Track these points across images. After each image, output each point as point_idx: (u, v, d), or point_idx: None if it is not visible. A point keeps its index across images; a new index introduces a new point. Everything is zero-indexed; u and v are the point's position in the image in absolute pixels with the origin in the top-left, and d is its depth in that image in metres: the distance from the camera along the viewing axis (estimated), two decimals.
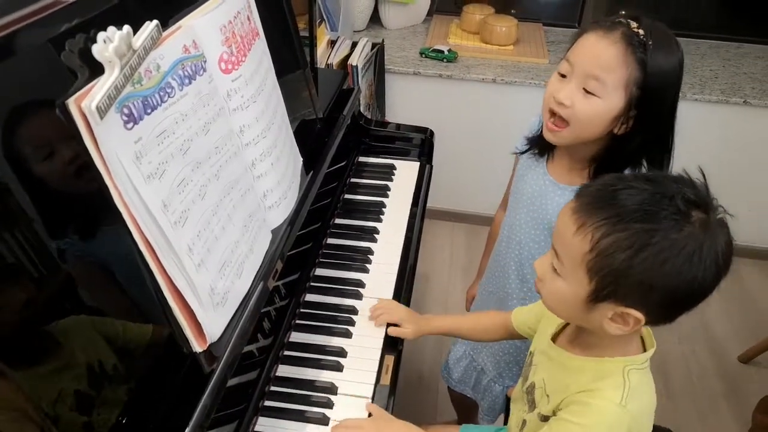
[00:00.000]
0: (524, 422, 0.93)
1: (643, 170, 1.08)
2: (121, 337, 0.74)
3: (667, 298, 0.70)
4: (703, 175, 0.72)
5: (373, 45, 2.30)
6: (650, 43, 0.94)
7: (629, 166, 1.07)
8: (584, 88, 0.98)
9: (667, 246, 0.67)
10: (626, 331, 0.74)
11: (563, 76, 1.02)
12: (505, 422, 1.53)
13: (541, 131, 1.10)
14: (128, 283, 0.75)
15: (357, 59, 2.11)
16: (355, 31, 2.51)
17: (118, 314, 0.75)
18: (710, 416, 1.97)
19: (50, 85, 0.65)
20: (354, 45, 2.23)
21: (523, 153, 1.19)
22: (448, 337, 1.36)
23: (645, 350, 0.83)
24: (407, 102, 2.46)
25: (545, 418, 0.86)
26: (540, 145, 1.15)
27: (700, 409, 1.99)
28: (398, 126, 1.69)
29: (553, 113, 1.03)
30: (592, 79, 0.97)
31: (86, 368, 0.69)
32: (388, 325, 1.15)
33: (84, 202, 0.71)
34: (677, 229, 0.68)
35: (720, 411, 1.99)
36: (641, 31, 0.95)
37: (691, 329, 2.24)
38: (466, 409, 1.71)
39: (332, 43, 2.17)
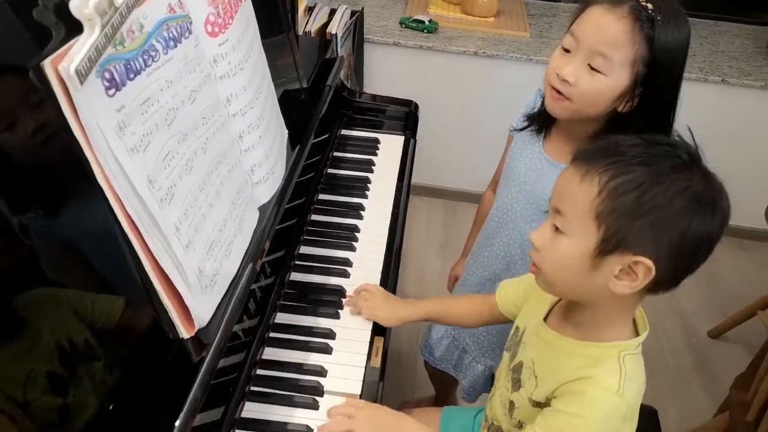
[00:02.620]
0: (512, 403, 0.90)
1: None
2: (91, 312, 0.68)
3: (677, 243, 0.69)
4: (692, 136, 0.73)
5: (352, 13, 2.21)
6: (658, 18, 0.90)
7: None
8: (589, 65, 0.95)
9: (673, 183, 0.67)
10: (634, 287, 0.71)
11: (567, 50, 0.98)
12: None
13: (541, 107, 1.06)
14: (103, 261, 0.69)
15: (336, 27, 2.03)
16: None
17: (89, 291, 0.68)
18: (683, 391, 2.01)
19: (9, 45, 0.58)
20: (332, 12, 2.14)
21: (521, 131, 1.15)
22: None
23: (638, 334, 0.81)
24: (386, 73, 2.40)
25: (538, 404, 0.84)
26: (539, 122, 1.11)
27: (673, 384, 2.03)
28: (382, 98, 1.63)
29: (555, 90, 0.99)
30: (598, 55, 0.93)
31: (56, 346, 0.64)
32: None
33: (53, 175, 0.64)
34: (681, 171, 0.68)
35: (692, 386, 2.04)
36: (649, 5, 0.91)
37: (662, 306, 2.27)
38: (445, 385, 1.70)
39: (310, 10, 2.08)
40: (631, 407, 0.78)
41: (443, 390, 1.75)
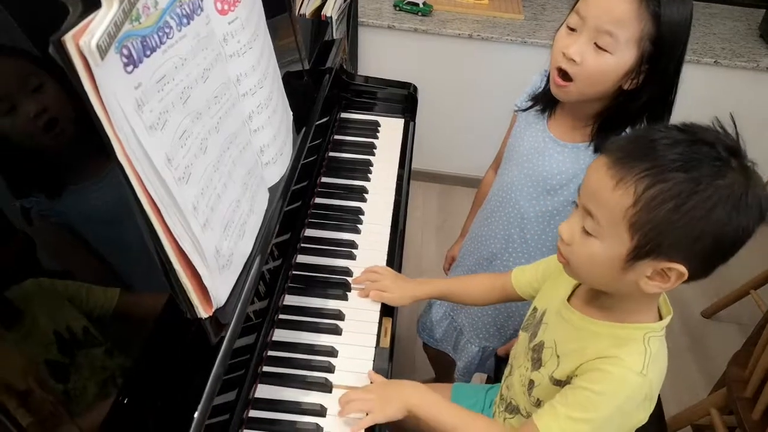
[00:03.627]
0: (531, 382, 0.91)
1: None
2: (85, 302, 0.67)
3: (712, 247, 0.68)
4: (734, 123, 0.70)
5: None
6: None
7: (631, 123, 1.05)
8: (596, 44, 0.95)
9: (713, 192, 0.65)
10: (665, 288, 0.72)
11: (572, 29, 0.98)
12: (491, 379, 1.54)
13: (546, 87, 1.06)
14: (103, 245, 0.68)
15: (331, 10, 2.01)
16: None
17: (86, 278, 0.66)
18: (678, 370, 2.04)
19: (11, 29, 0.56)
20: None
21: (525, 110, 1.15)
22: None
23: (661, 317, 0.81)
24: (381, 57, 2.38)
25: (558, 382, 0.84)
26: (544, 102, 1.11)
27: (669, 363, 2.05)
28: (380, 81, 1.62)
29: (561, 70, 0.99)
30: (605, 34, 0.93)
31: (54, 335, 0.62)
32: None
33: (56, 160, 0.62)
34: (721, 176, 0.66)
35: (687, 364, 2.07)
36: None
37: None
38: (444, 366, 1.71)
39: None
40: (653, 387, 0.78)
41: (443, 371, 1.75)
